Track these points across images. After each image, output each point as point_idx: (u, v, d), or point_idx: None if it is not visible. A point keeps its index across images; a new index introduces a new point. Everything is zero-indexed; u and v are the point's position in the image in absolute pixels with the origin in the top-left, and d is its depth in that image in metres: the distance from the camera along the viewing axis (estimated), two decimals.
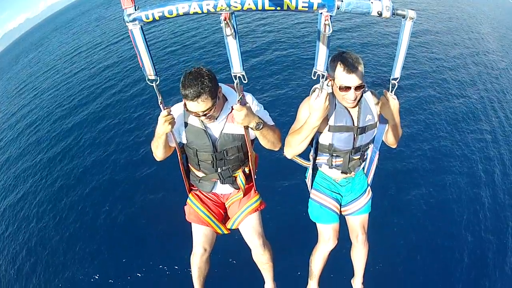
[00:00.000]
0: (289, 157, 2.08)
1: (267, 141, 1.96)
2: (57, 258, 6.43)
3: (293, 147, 1.94)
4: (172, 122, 1.82)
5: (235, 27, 1.45)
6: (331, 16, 1.44)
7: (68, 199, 7.85)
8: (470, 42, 14.65)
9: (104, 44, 19.65)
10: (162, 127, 1.81)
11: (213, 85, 1.78)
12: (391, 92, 1.84)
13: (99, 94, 12.83)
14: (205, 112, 1.80)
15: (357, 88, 1.86)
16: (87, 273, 5.94)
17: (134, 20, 1.47)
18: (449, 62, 12.42)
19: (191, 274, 2.28)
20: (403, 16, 1.55)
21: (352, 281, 2.66)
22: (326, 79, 1.68)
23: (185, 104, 1.85)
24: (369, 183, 2.41)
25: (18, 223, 7.77)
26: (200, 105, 1.76)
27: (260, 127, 1.84)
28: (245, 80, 1.61)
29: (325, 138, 2.07)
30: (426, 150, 7.94)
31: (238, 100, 1.74)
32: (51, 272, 6.18)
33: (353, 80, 1.83)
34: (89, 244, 6.50)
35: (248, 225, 2.25)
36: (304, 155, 2.32)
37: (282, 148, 2.05)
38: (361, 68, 1.84)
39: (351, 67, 1.81)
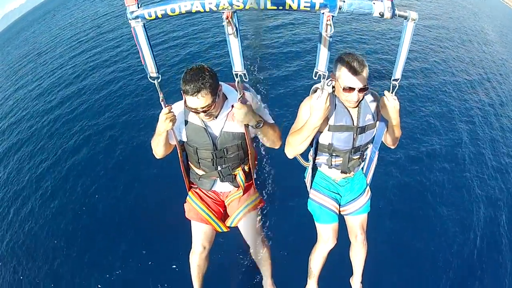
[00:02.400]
0: (290, 157, 2.11)
1: (267, 139, 2.00)
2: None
3: (294, 147, 1.98)
4: (173, 120, 1.84)
5: (237, 26, 1.48)
6: (333, 16, 1.47)
7: (52, 183, 7.96)
8: (473, 44, 14.77)
9: (111, 15, 19.60)
10: (163, 125, 1.84)
11: (214, 82, 1.81)
12: (392, 92, 1.86)
13: (101, 68, 12.90)
14: (204, 109, 1.81)
15: (361, 90, 1.90)
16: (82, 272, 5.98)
17: (136, 17, 1.50)
18: (450, 62, 12.56)
19: (190, 273, 2.32)
20: (405, 18, 1.57)
21: (350, 279, 2.70)
22: (327, 79, 1.71)
23: (185, 101, 1.87)
24: (368, 183, 2.44)
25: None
26: (200, 100, 1.78)
27: (261, 126, 1.87)
28: (246, 79, 1.65)
29: (325, 138, 2.11)
30: (423, 150, 8.02)
31: (239, 99, 1.77)
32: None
33: (357, 82, 1.87)
34: (80, 243, 6.47)
35: (247, 223, 2.28)
36: (304, 155, 2.36)
37: (282, 147, 2.09)
38: (366, 70, 1.88)
39: (356, 69, 1.85)
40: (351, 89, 1.89)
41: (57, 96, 12.67)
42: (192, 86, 1.74)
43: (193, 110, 1.85)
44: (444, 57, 12.94)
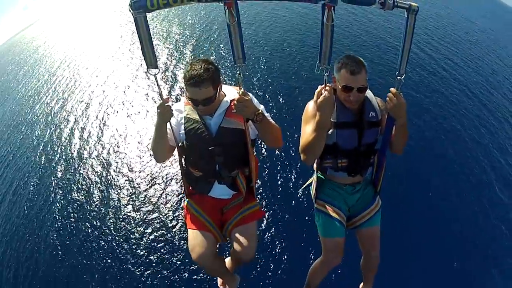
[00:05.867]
0: (310, 163, 2.13)
1: (269, 134, 2.02)
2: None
3: (312, 152, 1.99)
4: (170, 111, 1.90)
5: (238, 16, 1.53)
6: (334, 7, 1.51)
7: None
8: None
9: None
10: (161, 116, 1.88)
11: (217, 76, 1.89)
12: (397, 89, 1.88)
13: None
14: (205, 101, 1.88)
15: (359, 89, 1.95)
16: None
17: (138, 7, 1.55)
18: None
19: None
20: (406, 9, 1.61)
21: (360, 287, 2.68)
22: (329, 74, 1.76)
23: (186, 95, 1.93)
24: (378, 191, 2.39)
25: None
26: (202, 92, 1.84)
27: (261, 118, 1.89)
28: (247, 72, 1.68)
29: (329, 137, 2.09)
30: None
31: (241, 92, 1.82)
32: None
33: (356, 81, 1.92)
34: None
35: (242, 235, 2.17)
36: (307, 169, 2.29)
37: (282, 147, 2.10)
38: (364, 70, 1.94)
39: (354, 69, 1.91)
40: (349, 88, 1.94)
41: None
42: (195, 77, 1.81)
43: (193, 102, 1.91)
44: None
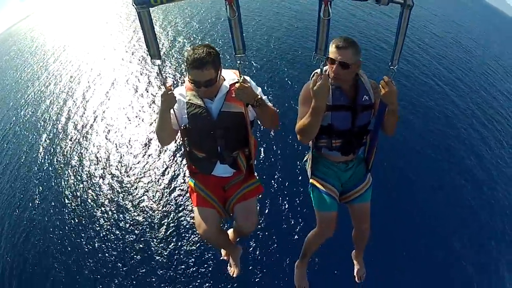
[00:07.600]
0: (306, 143, 2.29)
1: (267, 117, 2.14)
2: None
3: (308, 134, 2.12)
4: (174, 98, 2.00)
5: (238, 10, 1.59)
6: (330, 2, 1.58)
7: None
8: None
9: None
10: (165, 103, 1.99)
11: (217, 59, 1.99)
12: (390, 78, 1.98)
13: None
14: (206, 83, 1.98)
15: (341, 64, 2.05)
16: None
17: (142, 2, 1.61)
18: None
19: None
20: (401, 4, 1.67)
21: (352, 254, 2.92)
22: (324, 63, 1.83)
23: (189, 79, 2.03)
24: (369, 169, 2.53)
25: None
26: (204, 74, 1.94)
27: (261, 103, 2.01)
28: (247, 62, 1.77)
29: (324, 119, 2.20)
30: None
31: (241, 79, 1.93)
32: None
33: (339, 55, 2.03)
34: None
35: (243, 209, 2.37)
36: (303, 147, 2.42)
37: (279, 127, 2.20)
38: (352, 49, 2.04)
39: (340, 44, 2.03)
40: (332, 61, 2.05)
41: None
42: (198, 60, 1.90)
43: (195, 83, 2.00)
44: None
